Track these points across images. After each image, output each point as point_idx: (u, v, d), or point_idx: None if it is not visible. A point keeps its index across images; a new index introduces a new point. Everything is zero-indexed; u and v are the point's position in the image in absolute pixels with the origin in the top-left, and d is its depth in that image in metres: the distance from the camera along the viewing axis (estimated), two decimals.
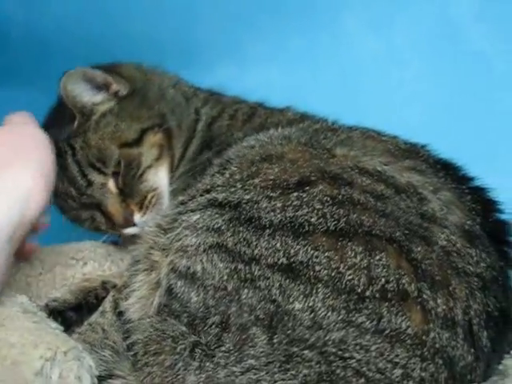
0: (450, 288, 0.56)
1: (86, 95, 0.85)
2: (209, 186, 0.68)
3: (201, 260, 0.60)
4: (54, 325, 0.57)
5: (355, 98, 1.03)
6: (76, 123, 0.85)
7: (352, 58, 1.17)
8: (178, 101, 0.93)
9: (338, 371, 0.52)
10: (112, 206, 0.84)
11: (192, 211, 0.65)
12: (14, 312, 0.57)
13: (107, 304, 0.73)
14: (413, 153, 0.74)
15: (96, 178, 0.84)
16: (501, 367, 0.58)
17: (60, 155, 0.82)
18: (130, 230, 0.85)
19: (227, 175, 0.67)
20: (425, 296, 0.55)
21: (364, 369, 0.52)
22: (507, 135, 1.07)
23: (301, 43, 1.18)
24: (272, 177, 0.63)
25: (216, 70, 1.07)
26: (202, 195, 0.67)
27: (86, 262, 0.88)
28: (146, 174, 0.86)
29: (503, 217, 0.70)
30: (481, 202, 0.69)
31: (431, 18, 1.14)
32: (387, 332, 0.53)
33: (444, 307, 0.55)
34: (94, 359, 0.57)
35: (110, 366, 0.60)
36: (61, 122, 0.88)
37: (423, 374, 0.53)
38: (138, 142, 0.86)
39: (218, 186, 0.66)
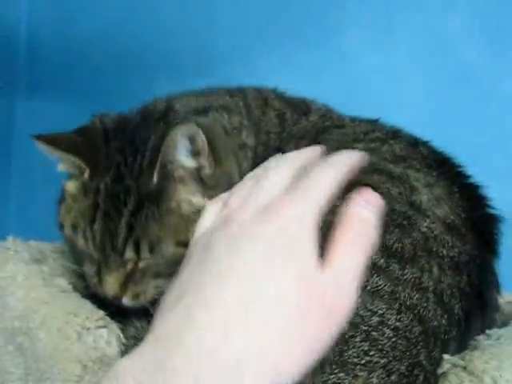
0: (420, 264, 0.66)
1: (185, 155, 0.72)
2: None
3: None
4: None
5: (359, 110, 1.09)
6: (155, 179, 0.71)
7: (356, 72, 1.27)
8: None
9: None
10: (110, 280, 0.71)
11: None
12: (55, 292, 0.69)
13: None
14: (409, 156, 0.82)
15: (129, 254, 0.70)
16: (474, 342, 0.65)
17: (117, 195, 0.71)
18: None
19: None
20: (391, 268, 0.65)
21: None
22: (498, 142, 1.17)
23: (306, 56, 1.28)
24: None
25: (231, 80, 1.12)
26: None
27: None
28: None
29: (492, 211, 0.77)
30: (470, 198, 0.77)
31: (429, 34, 1.23)
32: (368, 289, 0.62)
33: (412, 276, 0.65)
34: None
35: None
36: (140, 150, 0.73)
37: (397, 324, 0.61)
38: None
39: None
